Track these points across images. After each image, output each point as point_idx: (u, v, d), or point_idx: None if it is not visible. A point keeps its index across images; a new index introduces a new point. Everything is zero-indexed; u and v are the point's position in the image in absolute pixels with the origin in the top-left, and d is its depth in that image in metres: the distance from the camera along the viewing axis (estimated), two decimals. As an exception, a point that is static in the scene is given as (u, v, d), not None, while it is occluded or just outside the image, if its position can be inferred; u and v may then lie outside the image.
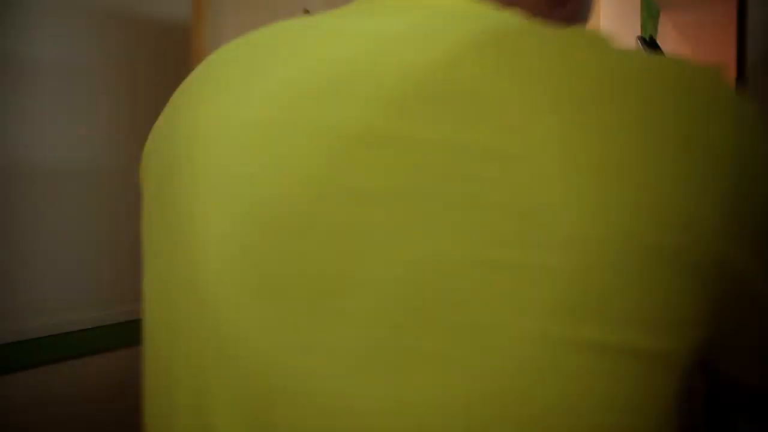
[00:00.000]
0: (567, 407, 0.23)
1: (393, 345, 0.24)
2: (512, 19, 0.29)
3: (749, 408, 0.33)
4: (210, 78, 0.36)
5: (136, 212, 1.46)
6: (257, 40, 0.35)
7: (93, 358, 1.40)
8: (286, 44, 0.33)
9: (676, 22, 1.06)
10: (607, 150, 0.23)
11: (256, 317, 0.28)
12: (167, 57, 1.52)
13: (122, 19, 1.41)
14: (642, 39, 0.84)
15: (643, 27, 1.08)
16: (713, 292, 0.25)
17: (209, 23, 1.24)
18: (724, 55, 1.01)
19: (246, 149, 0.30)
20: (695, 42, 1.04)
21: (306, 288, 0.26)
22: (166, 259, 0.33)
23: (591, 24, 0.98)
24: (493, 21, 0.28)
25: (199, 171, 0.31)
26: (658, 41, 1.04)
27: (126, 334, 1.46)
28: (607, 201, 0.23)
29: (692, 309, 0.24)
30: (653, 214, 0.23)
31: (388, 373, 0.24)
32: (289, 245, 0.27)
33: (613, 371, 0.23)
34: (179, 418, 0.32)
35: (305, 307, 0.26)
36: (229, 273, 0.29)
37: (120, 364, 1.46)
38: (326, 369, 0.26)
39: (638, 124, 0.24)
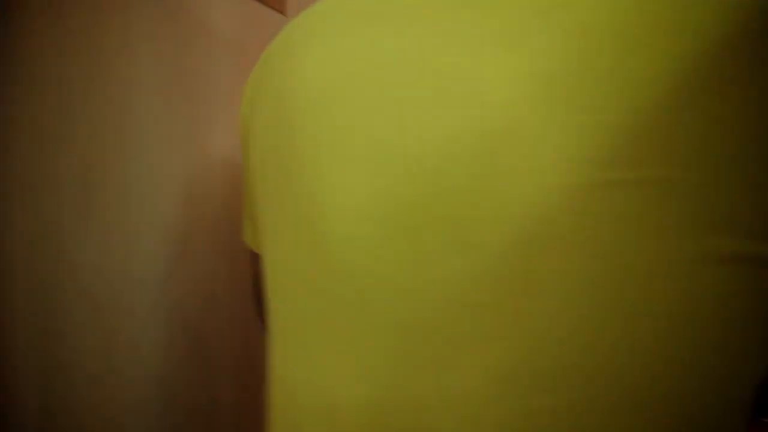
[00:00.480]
0: (689, 323, 0.23)
1: (526, 269, 0.25)
2: None
3: None
4: (307, 41, 0.36)
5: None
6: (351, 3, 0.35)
7: None
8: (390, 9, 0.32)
9: None
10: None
11: (387, 259, 0.29)
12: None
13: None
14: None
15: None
16: None
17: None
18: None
19: (365, 106, 0.31)
20: None
21: (438, 228, 0.27)
22: (293, 224, 0.34)
23: None
24: None
25: (318, 132, 0.33)
26: None
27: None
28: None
29: None
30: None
31: (522, 295, 0.25)
32: (419, 192, 0.28)
33: (740, 282, 0.23)
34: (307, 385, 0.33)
35: (438, 245, 0.27)
36: (359, 225, 0.30)
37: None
38: (467, 297, 0.26)
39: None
